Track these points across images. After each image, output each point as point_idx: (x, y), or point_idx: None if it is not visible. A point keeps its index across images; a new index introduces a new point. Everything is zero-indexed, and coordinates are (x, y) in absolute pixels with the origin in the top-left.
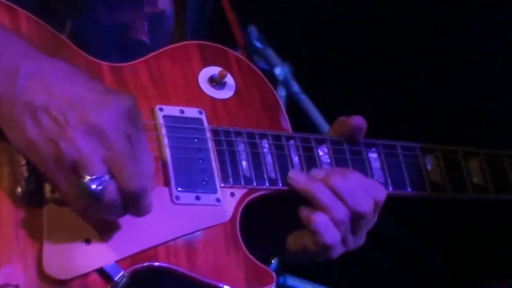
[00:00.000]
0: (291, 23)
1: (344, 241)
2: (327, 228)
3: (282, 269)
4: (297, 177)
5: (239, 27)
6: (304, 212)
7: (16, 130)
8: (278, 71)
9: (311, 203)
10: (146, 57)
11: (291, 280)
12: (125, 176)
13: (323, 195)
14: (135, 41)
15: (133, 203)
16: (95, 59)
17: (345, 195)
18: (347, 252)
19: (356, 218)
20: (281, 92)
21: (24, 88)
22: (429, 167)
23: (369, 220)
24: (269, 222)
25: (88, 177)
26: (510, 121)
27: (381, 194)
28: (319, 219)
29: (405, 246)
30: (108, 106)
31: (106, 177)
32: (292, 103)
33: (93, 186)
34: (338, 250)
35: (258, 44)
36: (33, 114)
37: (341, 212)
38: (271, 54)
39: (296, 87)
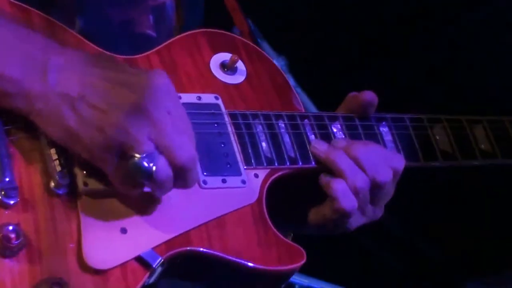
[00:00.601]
0: (287, 16)
1: (363, 210)
2: (345, 194)
3: None
4: (320, 146)
5: (242, 14)
6: (324, 178)
7: (55, 122)
8: None
9: (332, 170)
10: (158, 48)
11: None
12: (173, 150)
13: (344, 163)
14: (142, 35)
15: (183, 175)
16: (109, 53)
17: (366, 164)
18: (347, 246)
19: (375, 187)
20: None
21: (56, 80)
22: (437, 137)
23: (388, 191)
24: (288, 199)
25: (138, 156)
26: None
27: (400, 163)
28: (337, 185)
29: (403, 239)
30: (142, 85)
31: (156, 153)
32: None
33: (145, 164)
34: (358, 220)
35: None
36: (70, 104)
37: (361, 181)
38: (266, 47)
39: (291, 81)
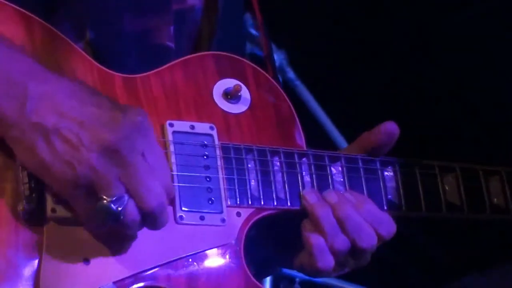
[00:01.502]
0: (286, 10)
1: (343, 266)
2: (322, 253)
3: None
4: (309, 197)
5: (266, 33)
6: (305, 229)
7: (28, 151)
8: None
9: (314, 226)
10: (160, 68)
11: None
12: (143, 195)
13: (327, 222)
14: (159, 47)
15: (151, 220)
16: (107, 70)
17: (350, 228)
18: None
19: (356, 250)
20: None
21: (34, 109)
22: (447, 187)
23: (372, 250)
24: (275, 235)
25: (107, 199)
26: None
27: (391, 230)
28: (316, 241)
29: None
30: (119, 124)
31: (125, 197)
32: (288, 90)
33: (113, 207)
34: (339, 271)
35: (253, 31)
36: (44, 136)
37: (341, 244)
38: None
39: (291, 74)
